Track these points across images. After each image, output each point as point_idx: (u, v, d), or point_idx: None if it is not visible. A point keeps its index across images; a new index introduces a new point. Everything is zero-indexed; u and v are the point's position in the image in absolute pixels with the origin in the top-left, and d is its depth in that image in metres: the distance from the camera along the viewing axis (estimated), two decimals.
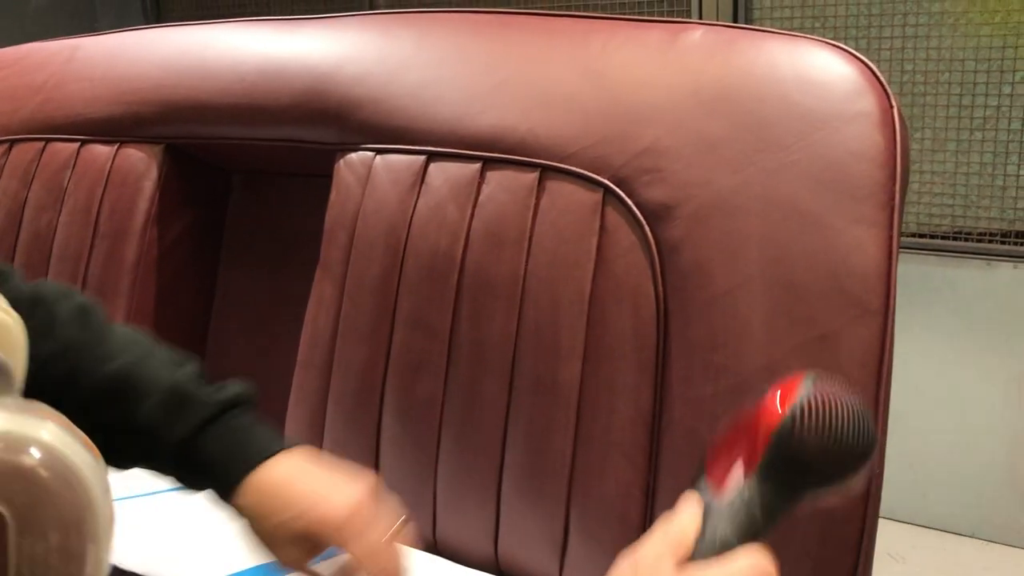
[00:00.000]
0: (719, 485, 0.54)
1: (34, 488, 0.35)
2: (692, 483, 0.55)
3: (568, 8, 2.15)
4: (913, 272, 2.04)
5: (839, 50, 0.81)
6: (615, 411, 0.81)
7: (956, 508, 2.10)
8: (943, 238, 2.01)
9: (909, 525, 2.15)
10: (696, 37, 0.87)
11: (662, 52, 0.87)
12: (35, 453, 0.35)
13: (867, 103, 0.78)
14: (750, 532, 0.52)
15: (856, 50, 0.80)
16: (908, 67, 1.94)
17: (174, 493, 1.01)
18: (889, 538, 2.11)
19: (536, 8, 0.98)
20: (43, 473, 0.35)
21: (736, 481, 0.53)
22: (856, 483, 0.52)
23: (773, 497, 0.52)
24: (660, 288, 0.80)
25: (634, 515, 0.79)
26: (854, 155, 0.77)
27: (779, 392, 0.51)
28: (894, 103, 0.79)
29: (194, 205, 1.16)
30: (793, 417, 0.50)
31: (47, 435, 0.36)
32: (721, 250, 0.78)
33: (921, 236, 2.03)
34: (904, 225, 2.05)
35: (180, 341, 1.17)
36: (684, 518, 0.53)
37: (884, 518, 2.16)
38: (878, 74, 0.80)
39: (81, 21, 2.64)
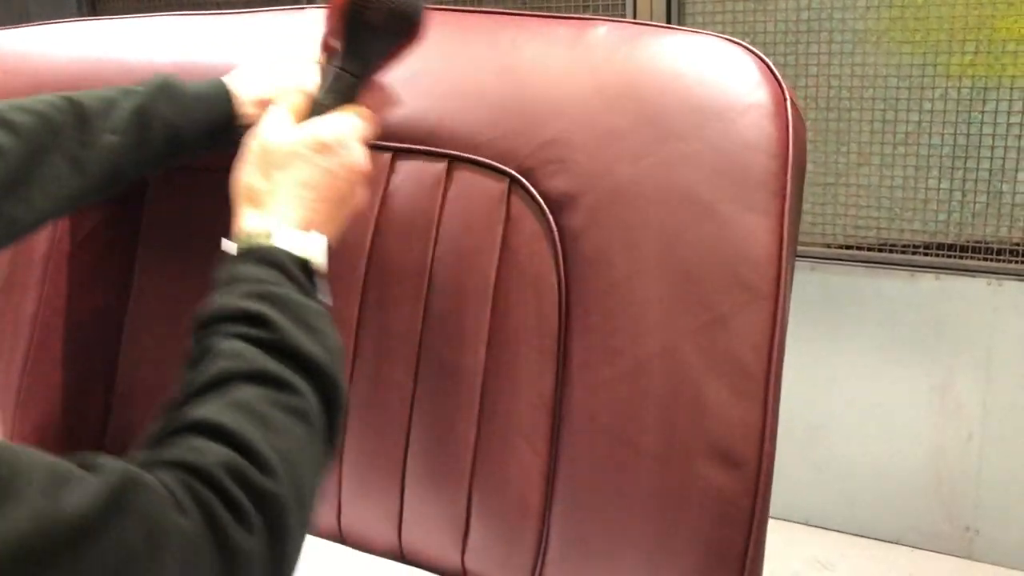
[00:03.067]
0: (325, 53, 0.72)
1: None
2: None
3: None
4: (840, 283, 2.08)
5: (737, 45, 0.84)
6: (517, 396, 0.81)
7: (883, 516, 2.15)
8: (869, 249, 2.06)
9: (838, 533, 2.19)
10: (601, 33, 0.89)
11: (569, 48, 0.89)
12: None
13: (761, 95, 0.80)
14: (346, 93, 0.71)
15: (784, 65, 0.83)
16: (835, 83, 2.00)
17: None
18: (818, 546, 2.15)
19: (460, 6, 0.99)
20: None
21: (332, 51, 0.71)
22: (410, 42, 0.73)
23: (354, 60, 0.71)
24: (562, 275, 0.81)
25: (534, 499, 0.80)
26: (748, 145, 0.79)
27: None
28: (788, 95, 0.81)
29: (110, 199, 1.15)
30: None
31: None
32: (620, 238, 0.80)
33: (848, 248, 2.08)
34: (831, 237, 2.10)
35: (93, 334, 1.16)
36: (301, 86, 0.70)
37: (813, 526, 2.20)
38: (773, 68, 0.82)
39: (10, 14, 2.59)
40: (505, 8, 0.98)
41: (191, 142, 0.85)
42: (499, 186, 0.85)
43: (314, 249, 0.61)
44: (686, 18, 2.05)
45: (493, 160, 0.86)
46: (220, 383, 0.52)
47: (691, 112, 0.81)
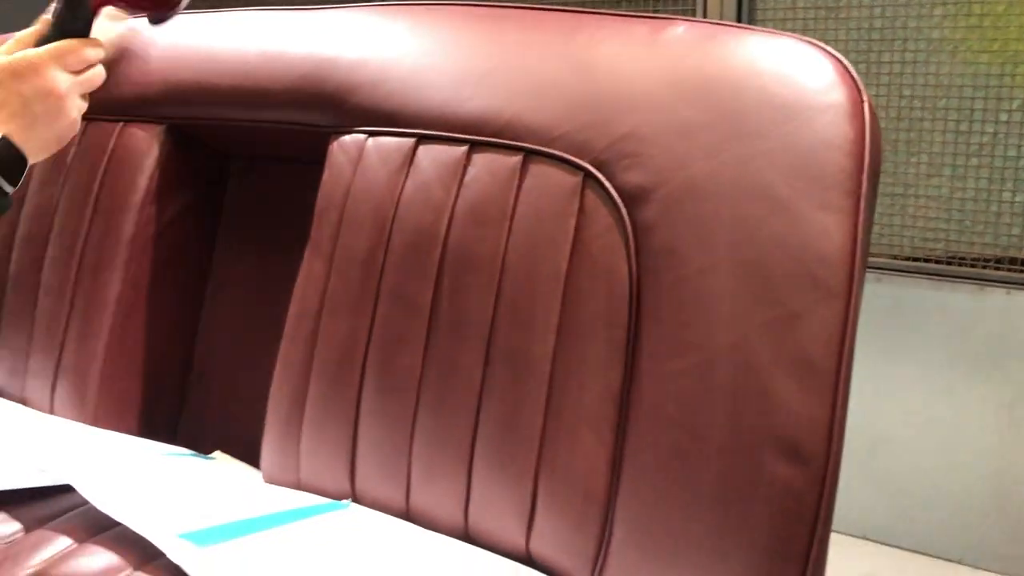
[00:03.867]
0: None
1: None
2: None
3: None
4: (906, 295, 2.06)
5: (814, 46, 0.84)
6: (585, 385, 0.83)
7: (943, 533, 2.11)
8: (937, 262, 2.03)
9: (896, 549, 2.15)
10: (679, 32, 0.90)
11: (645, 45, 0.90)
12: None
13: (839, 95, 0.81)
14: (65, 28, 0.80)
15: (856, 74, 0.83)
16: (907, 92, 1.98)
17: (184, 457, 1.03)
18: (875, 562, 2.11)
19: (531, 3, 1.01)
20: None
21: None
22: None
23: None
24: (634, 268, 0.83)
25: (600, 487, 0.81)
26: (824, 144, 0.79)
27: None
28: (865, 97, 0.81)
29: (193, 185, 1.19)
30: None
31: None
32: (693, 232, 0.81)
33: (915, 260, 2.05)
34: (899, 248, 2.07)
35: (175, 313, 1.20)
36: (31, 29, 0.82)
37: (871, 540, 2.17)
38: (851, 69, 0.83)
39: None
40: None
41: None
42: (573, 180, 0.87)
43: None
44: (756, 23, 2.05)
45: (568, 154, 0.88)
46: None
47: (768, 110, 0.81)
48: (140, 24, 1.02)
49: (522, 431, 0.85)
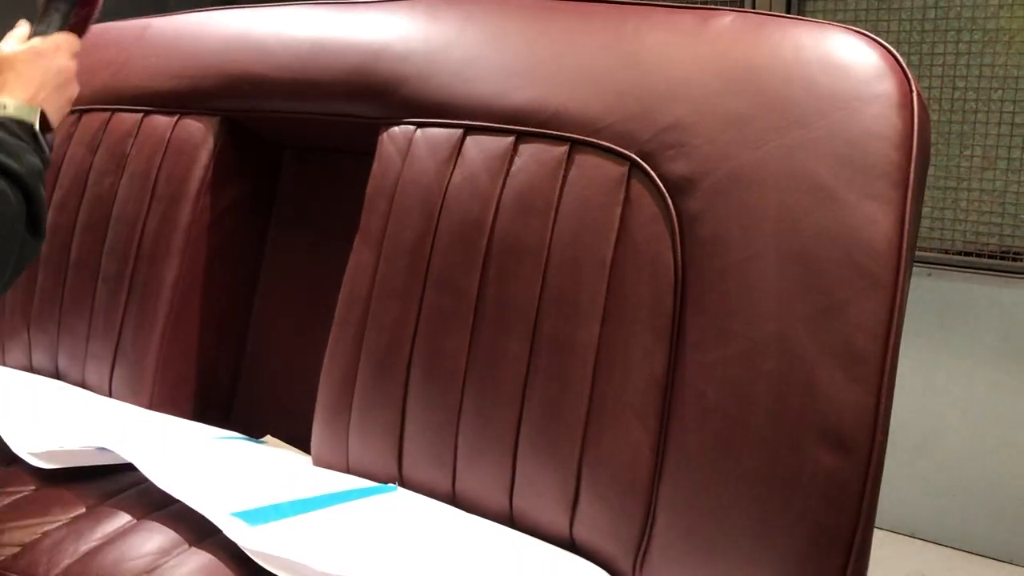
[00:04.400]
0: None
1: None
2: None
3: None
4: (958, 290, 2.03)
5: (863, 36, 0.84)
6: (629, 373, 0.84)
7: (993, 532, 2.07)
8: (990, 257, 2.00)
9: (946, 548, 2.12)
10: (726, 22, 0.90)
11: (692, 35, 0.91)
12: None
13: (888, 86, 0.80)
14: (56, 21, 0.96)
15: (908, 65, 0.83)
16: (960, 84, 1.95)
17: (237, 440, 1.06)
18: (925, 560, 2.09)
19: None
20: None
21: None
22: None
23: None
24: (679, 257, 0.83)
25: (643, 474, 0.82)
26: (872, 135, 0.79)
27: None
28: (914, 87, 0.81)
29: (247, 175, 1.22)
30: None
31: None
32: (739, 221, 0.81)
33: (967, 254, 2.02)
34: (950, 243, 2.04)
35: (229, 301, 1.23)
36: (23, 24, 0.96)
37: (921, 539, 2.14)
38: (900, 60, 0.82)
39: (153, 5, 2.75)
40: None
41: None
42: (619, 169, 0.87)
43: (33, 115, 0.87)
44: (806, 14, 2.03)
45: (614, 144, 0.88)
46: None
47: (815, 100, 0.81)
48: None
49: (566, 418, 0.86)
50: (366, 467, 0.98)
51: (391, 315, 0.95)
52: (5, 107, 0.87)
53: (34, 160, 0.83)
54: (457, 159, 0.96)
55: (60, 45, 0.95)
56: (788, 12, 2.00)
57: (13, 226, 0.80)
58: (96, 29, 1.36)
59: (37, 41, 0.94)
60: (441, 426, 0.92)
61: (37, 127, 0.87)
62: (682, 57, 0.89)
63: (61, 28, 0.97)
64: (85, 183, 1.23)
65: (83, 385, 1.23)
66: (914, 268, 0.85)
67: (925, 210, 1.99)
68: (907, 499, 2.15)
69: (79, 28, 0.99)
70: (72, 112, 1.26)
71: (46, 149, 0.88)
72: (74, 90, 0.96)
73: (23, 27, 0.98)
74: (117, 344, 1.18)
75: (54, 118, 0.91)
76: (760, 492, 0.77)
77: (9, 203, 0.79)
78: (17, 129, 0.85)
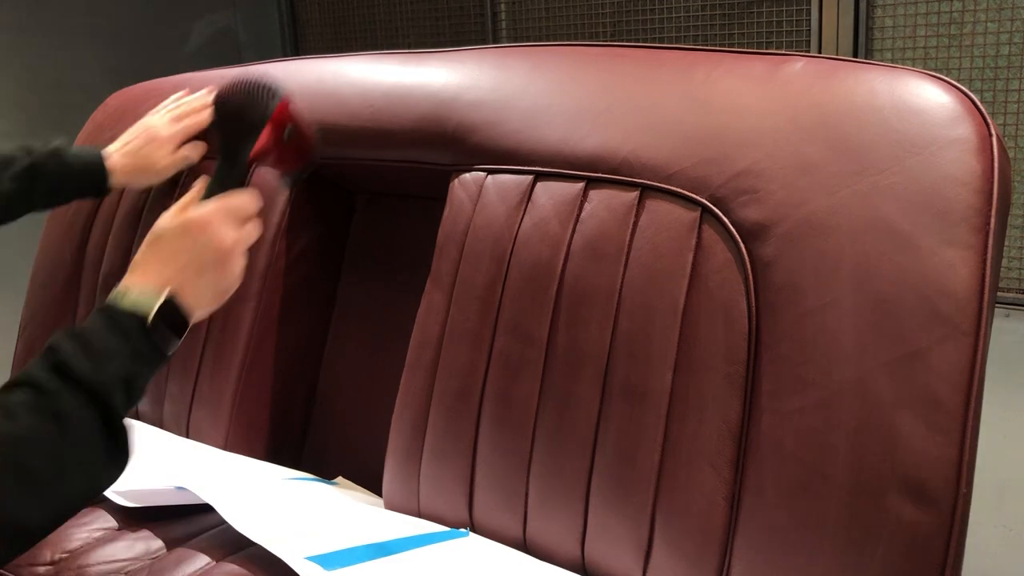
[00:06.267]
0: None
1: None
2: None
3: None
4: None
5: (937, 80, 0.83)
6: (703, 421, 0.83)
7: None
8: None
9: None
10: (798, 68, 0.90)
11: (764, 81, 0.91)
12: None
13: (965, 130, 0.79)
14: (225, 181, 0.82)
15: (983, 103, 0.82)
16: None
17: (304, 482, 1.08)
18: None
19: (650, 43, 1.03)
20: None
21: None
22: (270, 127, 0.84)
23: (226, 152, 0.83)
24: (753, 304, 0.83)
25: (718, 524, 0.81)
26: (949, 180, 0.78)
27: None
28: (993, 131, 0.80)
29: (321, 221, 1.25)
30: (220, 92, 0.85)
31: None
32: (814, 268, 0.80)
33: None
34: None
35: (301, 343, 1.26)
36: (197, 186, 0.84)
37: None
38: (977, 103, 0.81)
39: (228, 59, 2.86)
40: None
41: (65, 200, 1.22)
42: (691, 215, 0.87)
43: (151, 305, 0.72)
44: (873, 53, 2.01)
45: (685, 190, 0.88)
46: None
47: (890, 145, 0.81)
48: None
49: (639, 465, 0.85)
50: (437, 511, 0.98)
51: (461, 361, 0.96)
52: (126, 294, 0.71)
53: (126, 365, 0.68)
54: (527, 205, 0.97)
55: (219, 214, 0.77)
56: (855, 52, 1.98)
57: (78, 453, 0.64)
58: (169, 83, 1.41)
59: (195, 209, 0.77)
60: (512, 472, 0.92)
61: (151, 319, 0.70)
62: (754, 103, 0.89)
63: (219, 189, 0.80)
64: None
65: (160, 425, 1.26)
66: (994, 310, 0.83)
67: (1004, 250, 1.94)
68: (986, 548, 2.07)
69: (240, 184, 0.83)
70: None
71: (160, 346, 0.71)
72: (232, 272, 0.79)
73: (187, 196, 0.80)
74: (195, 386, 1.20)
75: (195, 306, 0.74)
76: (840, 543, 0.76)
77: (69, 424, 0.64)
78: (126, 323, 0.69)
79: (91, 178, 1.18)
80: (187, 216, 0.77)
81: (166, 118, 1.23)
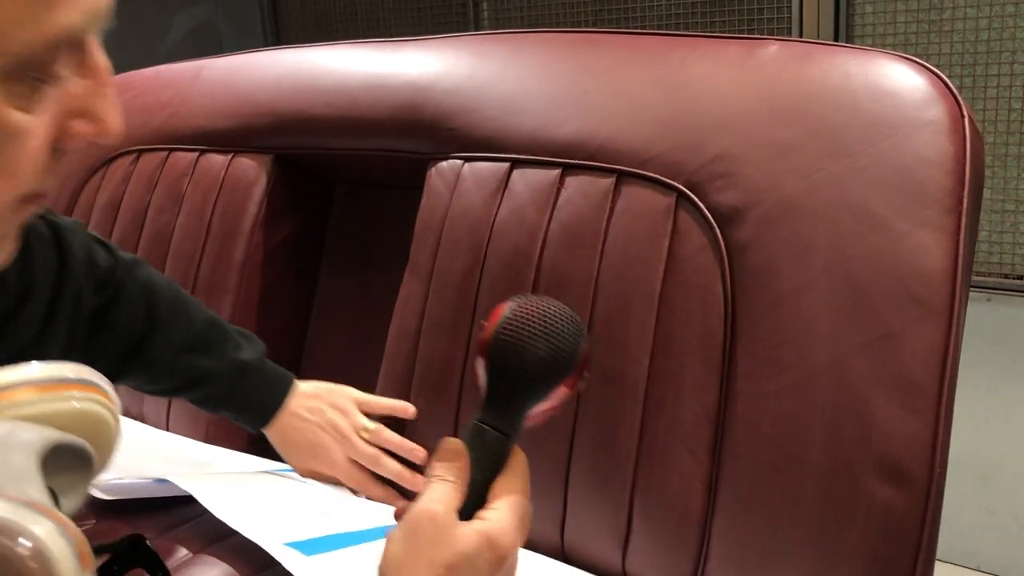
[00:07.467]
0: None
1: None
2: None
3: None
4: (1018, 316, 1.98)
5: (911, 62, 0.83)
6: (680, 406, 0.83)
7: None
8: None
9: None
10: (772, 51, 0.90)
11: (738, 65, 0.91)
12: (26, 543, 0.35)
13: (937, 112, 0.80)
14: (491, 453, 0.56)
15: (960, 88, 0.81)
16: (1016, 105, 1.91)
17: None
18: None
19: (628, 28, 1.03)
20: (31, 564, 0.35)
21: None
22: (569, 383, 0.55)
23: (498, 413, 0.55)
24: (728, 287, 0.83)
25: (696, 507, 0.81)
26: (922, 161, 0.78)
27: (490, 316, 0.55)
28: (966, 112, 0.80)
29: (299, 211, 1.25)
30: (498, 333, 0.54)
31: (40, 530, 0.36)
32: (789, 251, 0.80)
33: None
34: (1009, 267, 1.99)
35: (281, 335, 1.25)
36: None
37: (984, 572, 2.07)
38: (950, 85, 0.81)
39: (208, 47, 2.84)
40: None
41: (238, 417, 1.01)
42: (666, 200, 0.87)
43: None
44: (855, 40, 2.01)
45: (661, 175, 0.88)
46: None
47: (863, 128, 0.81)
48: None
49: (618, 451, 0.85)
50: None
51: (440, 349, 0.96)
52: None
53: None
54: (504, 192, 0.97)
55: (520, 525, 0.54)
56: (836, 38, 1.98)
57: None
58: (151, 72, 1.41)
59: (491, 526, 0.52)
60: None
61: None
62: (729, 87, 0.89)
63: (494, 459, 0.56)
64: (143, 221, 1.27)
65: (141, 419, 1.25)
66: (972, 293, 0.83)
67: (983, 234, 1.95)
68: (970, 531, 2.09)
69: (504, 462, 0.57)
70: (130, 152, 1.30)
71: None
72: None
73: (441, 486, 0.53)
74: None
75: None
76: (816, 524, 0.76)
77: None
78: None
79: (274, 400, 0.99)
80: (494, 542, 0.52)
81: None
